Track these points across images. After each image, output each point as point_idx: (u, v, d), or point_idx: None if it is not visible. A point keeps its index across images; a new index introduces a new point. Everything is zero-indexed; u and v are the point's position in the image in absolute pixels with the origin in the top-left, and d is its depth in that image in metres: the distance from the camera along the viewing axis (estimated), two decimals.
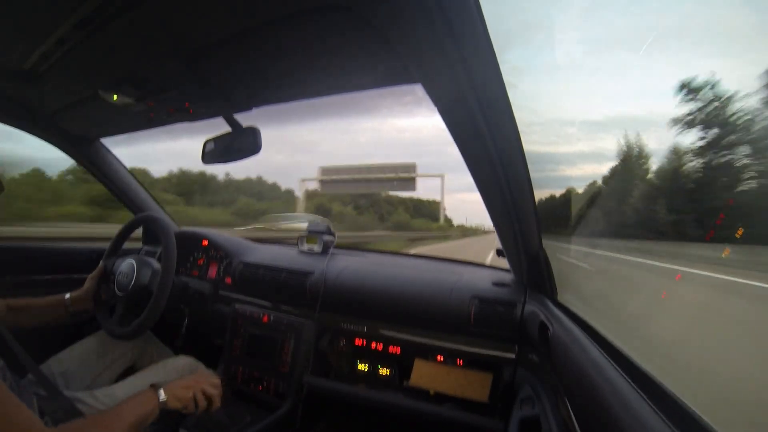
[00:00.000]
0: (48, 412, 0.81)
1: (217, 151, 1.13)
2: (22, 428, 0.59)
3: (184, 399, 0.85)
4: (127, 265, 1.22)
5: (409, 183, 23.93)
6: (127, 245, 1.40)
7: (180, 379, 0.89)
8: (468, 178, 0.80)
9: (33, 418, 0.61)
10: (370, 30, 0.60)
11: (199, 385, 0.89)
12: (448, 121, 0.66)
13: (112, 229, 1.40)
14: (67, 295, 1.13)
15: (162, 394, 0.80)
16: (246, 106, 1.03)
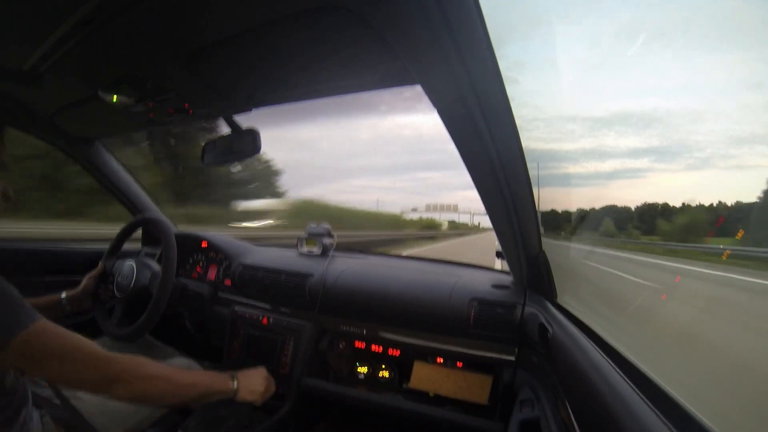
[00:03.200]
0: (47, 407, 0.81)
1: (217, 152, 1.13)
2: (85, 342, 0.69)
3: (256, 393, 0.91)
4: (126, 266, 1.22)
5: None
6: (126, 246, 1.40)
7: (252, 371, 0.94)
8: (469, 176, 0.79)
9: (92, 343, 0.70)
10: (368, 31, 0.60)
11: (268, 381, 0.96)
12: (447, 121, 0.66)
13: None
14: (63, 294, 1.12)
15: (235, 384, 0.86)
16: (245, 107, 1.03)
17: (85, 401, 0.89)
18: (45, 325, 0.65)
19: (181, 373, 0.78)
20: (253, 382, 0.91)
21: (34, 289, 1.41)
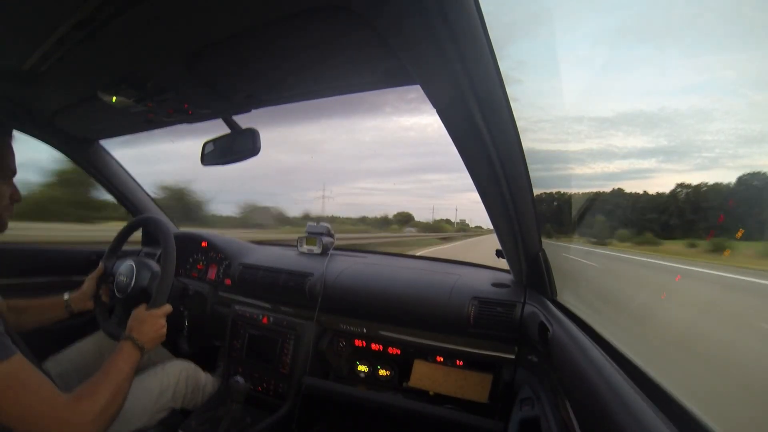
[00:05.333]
0: None
1: (217, 152, 1.13)
2: (46, 398, 0.66)
3: (157, 336, 0.95)
4: (126, 266, 1.21)
5: None
6: (126, 246, 1.40)
7: (136, 323, 0.93)
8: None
9: (55, 390, 0.67)
10: (368, 31, 0.60)
11: (156, 318, 0.96)
12: (447, 122, 0.67)
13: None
14: (66, 296, 1.12)
15: (138, 345, 0.88)
16: (245, 108, 1.03)
17: None
18: (15, 368, 0.64)
19: (111, 377, 0.79)
20: (147, 331, 0.92)
21: (36, 290, 1.41)
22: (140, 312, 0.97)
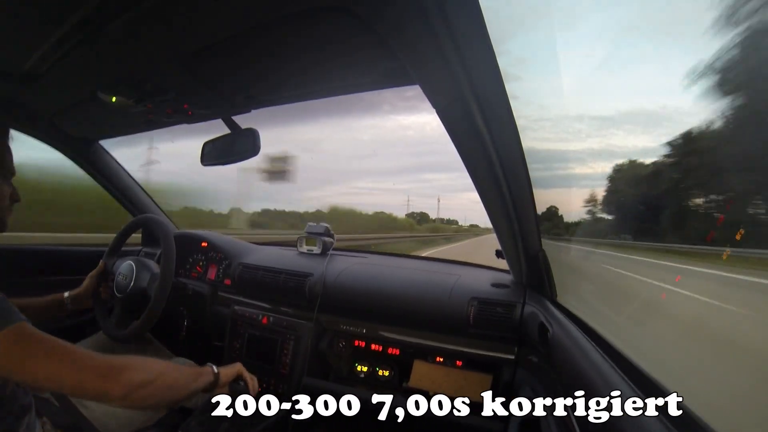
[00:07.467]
0: (49, 414, 0.81)
1: (216, 152, 1.13)
2: (70, 351, 0.65)
3: (231, 377, 0.92)
4: (126, 266, 1.22)
5: None
6: (127, 247, 1.40)
7: (230, 367, 0.93)
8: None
9: (82, 349, 0.67)
10: (367, 31, 0.61)
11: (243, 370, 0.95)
12: (447, 122, 0.67)
13: None
14: (66, 294, 1.13)
15: (215, 368, 0.87)
16: (245, 108, 1.03)
17: (88, 406, 0.89)
18: (25, 327, 0.63)
19: (175, 373, 0.77)
20: (230, 370, 0.92)
21: (36, 290, 1.41)
22: (241, 368, 0.97)
